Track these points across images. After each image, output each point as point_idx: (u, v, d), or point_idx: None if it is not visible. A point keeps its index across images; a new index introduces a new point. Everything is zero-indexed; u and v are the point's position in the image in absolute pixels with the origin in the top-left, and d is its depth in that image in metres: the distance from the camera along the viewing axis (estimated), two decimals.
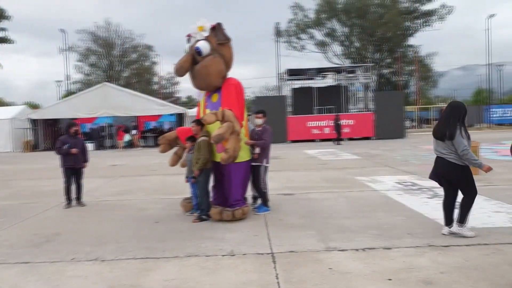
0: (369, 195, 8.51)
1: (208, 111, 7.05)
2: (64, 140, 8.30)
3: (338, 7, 50.46)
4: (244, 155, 6.97)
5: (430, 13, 49.88)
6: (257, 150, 7.23)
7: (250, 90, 64.09)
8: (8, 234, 6.43)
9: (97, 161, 17.81)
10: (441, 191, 8.47)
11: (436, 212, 6.74)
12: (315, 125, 27.54)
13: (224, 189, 7.10)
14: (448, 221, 5.51)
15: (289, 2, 52.49)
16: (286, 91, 31.71)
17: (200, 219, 6.75)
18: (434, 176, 5.69)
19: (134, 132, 27.24)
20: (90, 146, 23.67)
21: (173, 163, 7.83)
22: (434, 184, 9.34)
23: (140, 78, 59.25)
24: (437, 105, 50.79)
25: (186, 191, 9.23)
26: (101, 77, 55.11)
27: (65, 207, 8.26)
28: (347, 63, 49.71)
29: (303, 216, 6.87)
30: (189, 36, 7.31)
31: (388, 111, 26.90)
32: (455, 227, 5.42)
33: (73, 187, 8.43)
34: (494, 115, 39.73)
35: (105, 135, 27.96)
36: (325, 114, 28.11)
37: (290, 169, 13.06)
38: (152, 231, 6.32)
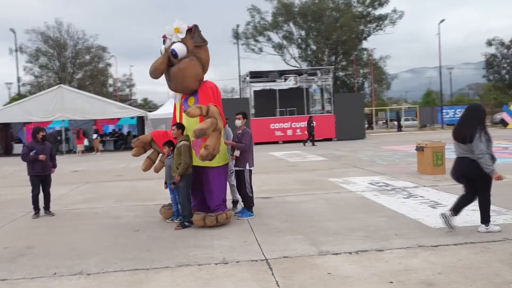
0: (346, 196, 8.59)
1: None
2: (31, 146, 7.83)
3: (294, 10, 51.08)
4: (221, 159, 6.83)
5: (382, 18, 51.57)
6: (237, 153, 7.13)
7: None
8: None
9: (57, 166, 16.96)
10: (415, 191, 8.78)
11: (415, 212, 6.90)
12: (278, 127, 27.68)
13: (204, 194, 6.94)
14: (455, 209, 5.70)
15: (246, 4, 52.52)
16: (247, 93, 31.65)
17: (183, 225, 6.54)
18: (455, 174, 5.80)
19: (95, 136, 26.23)
20: None
21: (147, 167, 7.56)
22: (407, 184, 9.65)
23: (94, 80, 57.26)
24: (391, 107, 52.55)
25: (159, 197, 9.01)
26: (52, 79, 52.84)
27: (33, 217, 7.78)
28: (304, 65, 50.42)
29: (286, 220, 6.82)
30: (164, 37, 7.11)
31: (348, 112, 27.48)
32: (482, 228, 5.59)
33: (40, 196, 7.96)
34: (446, 116, 41.57)
35: (61, 139, 26.78)
36: (288, 116, 28.32)
37: (260, 171, 12.97)
38: (134, 241, 6.05)
